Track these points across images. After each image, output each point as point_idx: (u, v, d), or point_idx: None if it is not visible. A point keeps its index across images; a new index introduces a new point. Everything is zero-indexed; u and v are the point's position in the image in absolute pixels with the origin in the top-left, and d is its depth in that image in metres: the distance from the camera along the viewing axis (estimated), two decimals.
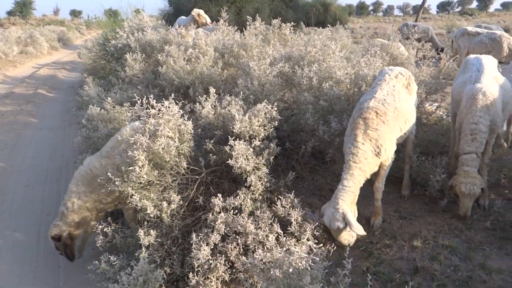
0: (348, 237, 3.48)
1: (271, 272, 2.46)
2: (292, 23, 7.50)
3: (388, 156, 3.73)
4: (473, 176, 3.74)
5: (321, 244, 3.31)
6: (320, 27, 23.75)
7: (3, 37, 18.42)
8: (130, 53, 7.65)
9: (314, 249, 2.80)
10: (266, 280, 2.53)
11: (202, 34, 6.87)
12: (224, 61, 6.82)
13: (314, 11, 28.53)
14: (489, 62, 4.51)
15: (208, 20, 10.05)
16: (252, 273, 2.84)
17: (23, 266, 4.22)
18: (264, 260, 2.67)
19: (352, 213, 3.37)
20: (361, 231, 3.28)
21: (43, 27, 28.40)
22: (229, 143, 3.73)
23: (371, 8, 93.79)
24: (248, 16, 7.31)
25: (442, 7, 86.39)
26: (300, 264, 2.44)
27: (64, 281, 4.05)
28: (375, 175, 3.80)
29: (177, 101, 4.13)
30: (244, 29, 7.42)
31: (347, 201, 3.40)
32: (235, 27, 8.73)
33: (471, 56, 4.72)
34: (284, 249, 2.74)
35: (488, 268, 3.23)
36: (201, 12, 10.14)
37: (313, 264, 2.60)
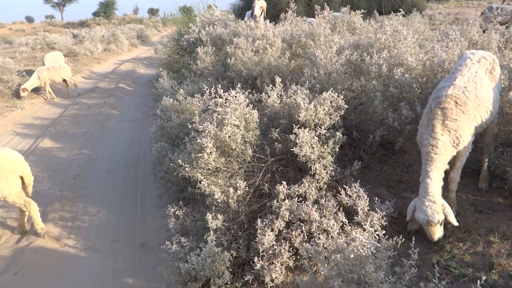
0: (441, 232, 3.36)
1: (333, 258, 2.46)
2: (364, 11, 7.30)
3: (466, 146, 3.52)
4: None
5: (387, 236, 3.26)
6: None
7: (89, 37, 20.00)
8: (201, 46, 7.94)
9: (379, 238, 2.75)
10: (328, 266, 2.54)
11: (270, 25, 6.93)
12: (292, 51, 6.83)
13: None
14: None
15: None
16: (316, 260, 2.86)
17: (105, 245, 4.61)
18: (327, 247, 2.67)
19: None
20: (456, 223, 3.26)
21: (124, 25, 30.33)
22: (293, 131, 3.75)
23: None
24: (316, 6, 7.22)
25: None
26: (362, 251, 2.41)
27: (140, 260, 4.36)
28: (450, 165, 3.61)
29: (243, 91, 4.24)
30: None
31: (439, 193, 3.31)
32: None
33: None
34: (348, 236, 2.70)
35: None
36: (264, 4, 10.30)
37: (376, 252, 2.57)
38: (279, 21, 9.25)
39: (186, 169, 3.87)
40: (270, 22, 8.34)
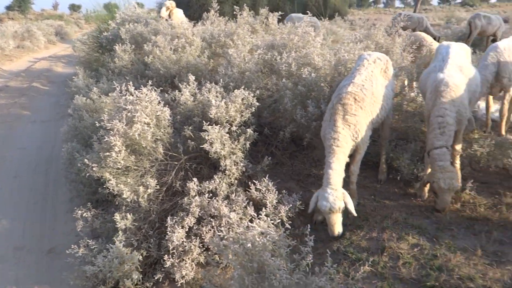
0: (340, 227, 3.48)
1: (232, 248, 2.53)
2: (281, 13, 7.52)
3: (364, 140, 3.80)
4: (450, 170, 3.68)
5: (294, 227, 3.42)
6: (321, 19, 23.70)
7: None
8: (120, 44, 7.70)
9: (281, 228, 2.87)
10: (229, 257, 2.61)
11: (188, 24, 6.92)
12: (212, 50, 6.87)
13: (314, 3, 28.44)
14: (457, 51, 4.36)
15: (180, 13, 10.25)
16: (220, 253, 2.92)
17: (7, 253, 4.32)
18: (228, 239, 2.74)
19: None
20: (355, 212, 3.45)
21: (42, 21, 28.41)
22: (203, 128, 3.79)
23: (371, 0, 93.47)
24: (235, 6, 7.34)
25: None
26: (258, 240, 2.51)
27: (47, 266, 4.15)
28: (350, 159, 3.86)
29: (155, 89, 4.20)
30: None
31: (340, 183, 3.51)
32: (229, 18, 8.77)
33: (444, 43, 4.64)
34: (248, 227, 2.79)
35: (453, 247, 3.30)
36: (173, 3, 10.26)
37: (276, 241, 2.68)
38: (202, 20, 9.26)
39: (94, 168, 3.75)
40: (193, 22, 8.34)
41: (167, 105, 4.23)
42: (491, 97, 5.39)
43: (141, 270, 3.49)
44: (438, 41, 12.13)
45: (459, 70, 4.11)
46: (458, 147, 4.11)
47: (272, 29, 6.52)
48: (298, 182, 4.48)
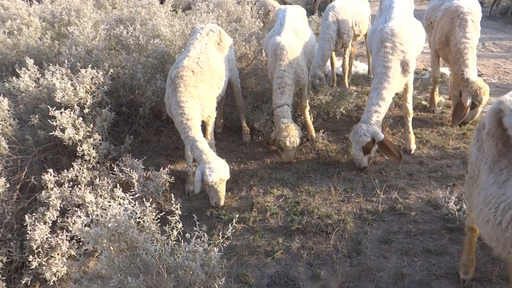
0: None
1: (91, 231, 2.44)
2: None
3: (210, 112, 3.85)
4: (292, 128, 3.94)
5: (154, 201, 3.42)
6: None
7: None
8: None
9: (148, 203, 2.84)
10: (92, 239, 2.51)
11: (22, 3, 6.17)
12: (56, 31, 6.26)
13: None
14: (292, 14, 4.63)
15: None
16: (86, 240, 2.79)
17: None
18: (88, 223, 2.63)
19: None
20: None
21: None
22: (50, 114, 3.49)
23: None
24: None
25: None
26: (120, 218, 2.45)
27: None
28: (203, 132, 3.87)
29: None
30: None
31: (213, 151, 3.54)
32: None
33: (281, 7, 4.89)
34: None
35: (312, 192, 3.67)
36: None
37: (138, 216, 2.64)
38: None
39: None
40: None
41: (6, 96, 3.78)
42: (333, 54, 5.95)
43: (4, 278, 3.16)
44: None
45: (294, 33, 4.38)
46: (305, 102, 4.47)
47: (118, 3, 6.15)
48: (167, 157, 4.45)
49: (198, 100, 3.65)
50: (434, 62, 5.06)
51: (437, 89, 5.16)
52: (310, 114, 4.65)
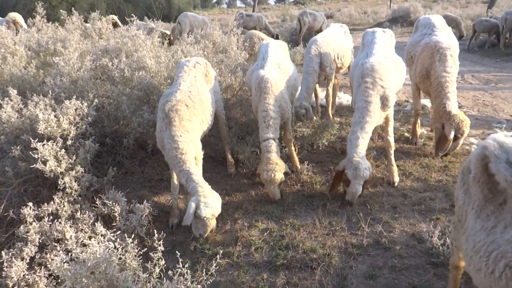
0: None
1: (73, 271, 2.37)
2: (135, 17, 7.19)
3: (199, 147, 3.82)
4: (274, 162, 3.86)
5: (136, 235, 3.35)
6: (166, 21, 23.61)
7: None
8: None
9: (129, 239, 2.78)
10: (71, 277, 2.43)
11: (7, 32, 6.16)
12: (41, 60, 6.24)
13: (157, 5, 28.05)
14: (275, 49, 4.70)
15: (24, 25, 9.14)
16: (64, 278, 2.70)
17: None
18: (68, 261, 2.55)
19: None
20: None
21: None
22: (31, 146, 3.44)
23: (215, 0, 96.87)
24: (61, 11, 6.78)
25: None
26: (99, 256, 2.39)
27: None
28: None
29: None
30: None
31: (207, 184, 3.45)
32: (62, 24, 8.05)
33: (264, 41, 4.97)
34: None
35: (297, 225, 3.65)
36: (17, 16, 9.14)
37: (119, 253, 2.58)
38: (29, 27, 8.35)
39: None
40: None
41: None
42: (317, 86, 6.05)
43: None
44: (276, 38, 13.17)
45: (277, 67, 4.45)
46: (289, 135, 4.49)
47: (104, 33, 6.19)
48: (150, 189, 4.39)
49: (192, 134, 3.63)
50: (415, 95, 5.18)
51: (418, 121, 5.27)
52: (294, 146, 4.68)
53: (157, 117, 3.78)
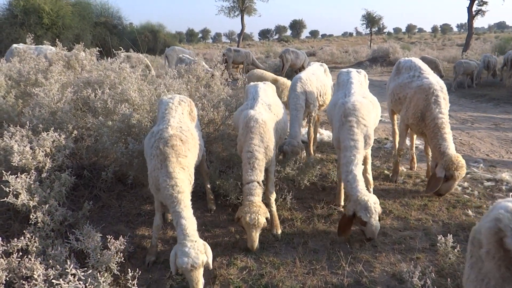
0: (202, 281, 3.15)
1: None
2: (121, 49, 7.23)
3: (192, 181, 3.65)
4: (257, 205, 3.68)
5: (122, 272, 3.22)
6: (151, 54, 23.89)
7: None
8: None
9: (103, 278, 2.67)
10: None
11: None
12: (21, 90, 6.17)
13: (143, 38, 28.37)
14: (265, 90, 4.62)
15: None
16: None
17: None
18: None
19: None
20: (211, 266, 3.23)
21: None
22: (3, 178, 3.33)
23: (200, 35, 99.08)
24: (45, 41, 6.78)
25: (263, 35, 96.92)
26: None
27: None
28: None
29: None
30: None
31: (196, 232, 3.20)
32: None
33: (251, 83, 4.86)
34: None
35: (277, 263, 3.57)
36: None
37: None
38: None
39: None
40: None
41: None
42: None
43: None
44: None
45: (268, 108, 4.35)
46: (272, 188, 4.17)
47: (85, 65, 6.16)
48: (127, 223, 4.27)
49: (187, 172, 3.47)
50: (402, 135, 5.24)
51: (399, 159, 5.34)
52: (275, 202, 4.26)
53: (148, 156, 3.58)
